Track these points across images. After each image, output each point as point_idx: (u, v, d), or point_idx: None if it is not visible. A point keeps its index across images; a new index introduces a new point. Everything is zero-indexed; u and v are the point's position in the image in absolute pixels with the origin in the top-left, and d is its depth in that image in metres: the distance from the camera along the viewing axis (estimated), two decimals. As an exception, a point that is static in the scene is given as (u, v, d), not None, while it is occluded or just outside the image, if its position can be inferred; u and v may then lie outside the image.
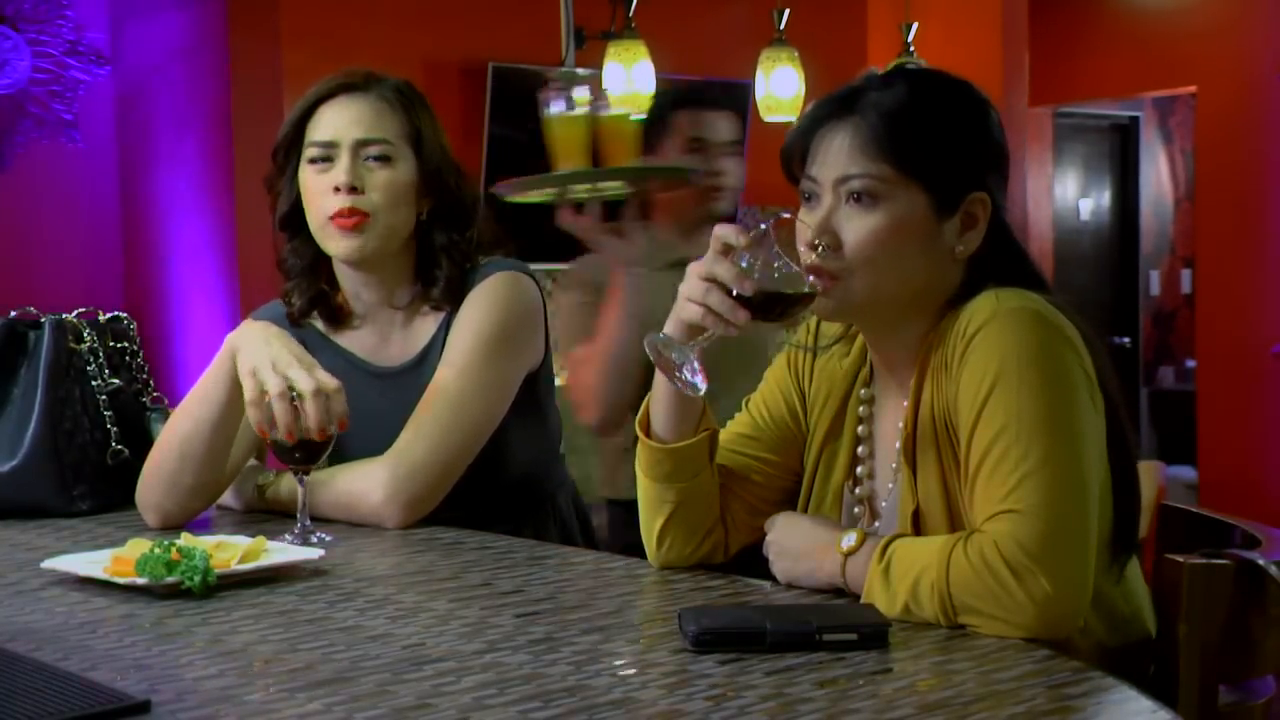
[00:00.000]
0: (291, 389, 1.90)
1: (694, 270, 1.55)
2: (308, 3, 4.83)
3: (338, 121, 2.11)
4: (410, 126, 2.13)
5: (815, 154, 1.61)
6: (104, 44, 4.47)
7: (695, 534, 1.71)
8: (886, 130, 1.57)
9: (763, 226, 1.52)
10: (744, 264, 1.51)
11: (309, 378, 1.91)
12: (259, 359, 1.93)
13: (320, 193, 2.10)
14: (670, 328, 1.58)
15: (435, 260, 2.15)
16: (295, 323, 2.21)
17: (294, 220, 2.17)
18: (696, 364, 1.54)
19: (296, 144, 2.14)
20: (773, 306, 1.53)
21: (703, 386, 1.55)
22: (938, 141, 1.59)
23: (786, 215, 1.54)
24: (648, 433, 1.68)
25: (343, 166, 2.08)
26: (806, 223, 1.58)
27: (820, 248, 1.57)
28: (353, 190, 2.08)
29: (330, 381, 1.92)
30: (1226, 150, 6.37)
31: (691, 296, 1.54)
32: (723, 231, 1.55)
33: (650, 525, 1.72)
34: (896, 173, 1.57)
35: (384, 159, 2.10)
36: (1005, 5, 5.91)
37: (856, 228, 1.57)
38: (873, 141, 1.57)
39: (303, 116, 2.13)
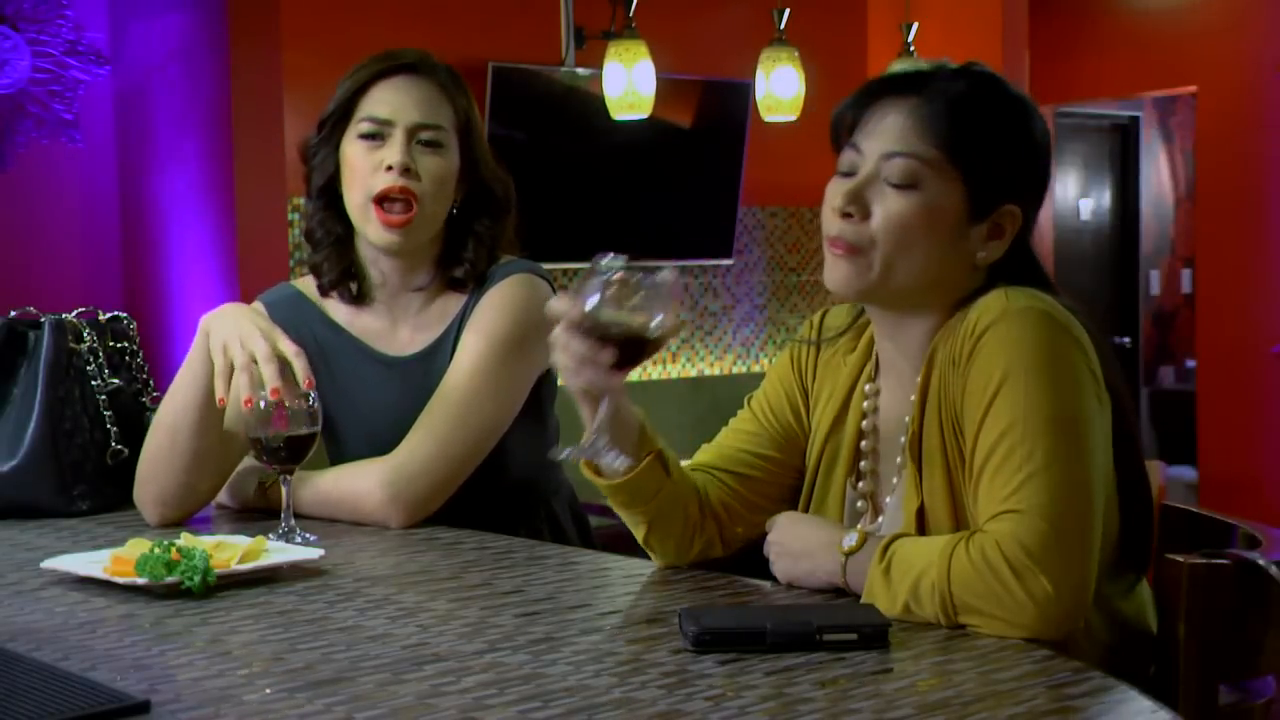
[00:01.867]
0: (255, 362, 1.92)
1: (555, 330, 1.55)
2: (308, 3, 4.83)
3: (396, 101, 2.09)
4: (461, 115, 2.13)
5: (866, 124, 1.60)
6: (104, 44, 4.47)
7: (681, 540, 1.72)
8: (947, 114, 1.57)
9: (604, 263, 1.49)
10: (589, 305, 1.49)
11: (267, 345, 1.92)
12: (228, 334, 1.95)
13: (368, 169, 2.08)
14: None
15: (462, 246, 2.15)
16: (324, 295, 2.21)
17: (328, 192, 2.16)
18: (604, 444, 1.52)
19: (346, 117, 2.12)
20: (625, 347, 1.50)
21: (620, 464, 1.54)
22: (989, 140, 1.58)
23: (620, 266, 1.49)
24: (595, 469, 1.67)
25: (397, 146, 2.07)
26: (836, 191, 1.58)
27: (848, 216, 1.57)
28: (406, 171, 2.07)
29: (289, 348, 1.93)
30: (1227, 150, 6.36)
31: (554, 352, 1.55)
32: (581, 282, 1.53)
33: (636, 537, 1.74)
34: (943, 158, 1.56)
35: (435, 145, 2.10)
36: (1005, 5, 5.91)
37: (889, 205, 1.57)
38: (929, 122, 1.56)
39: (357, 90, 2.11)
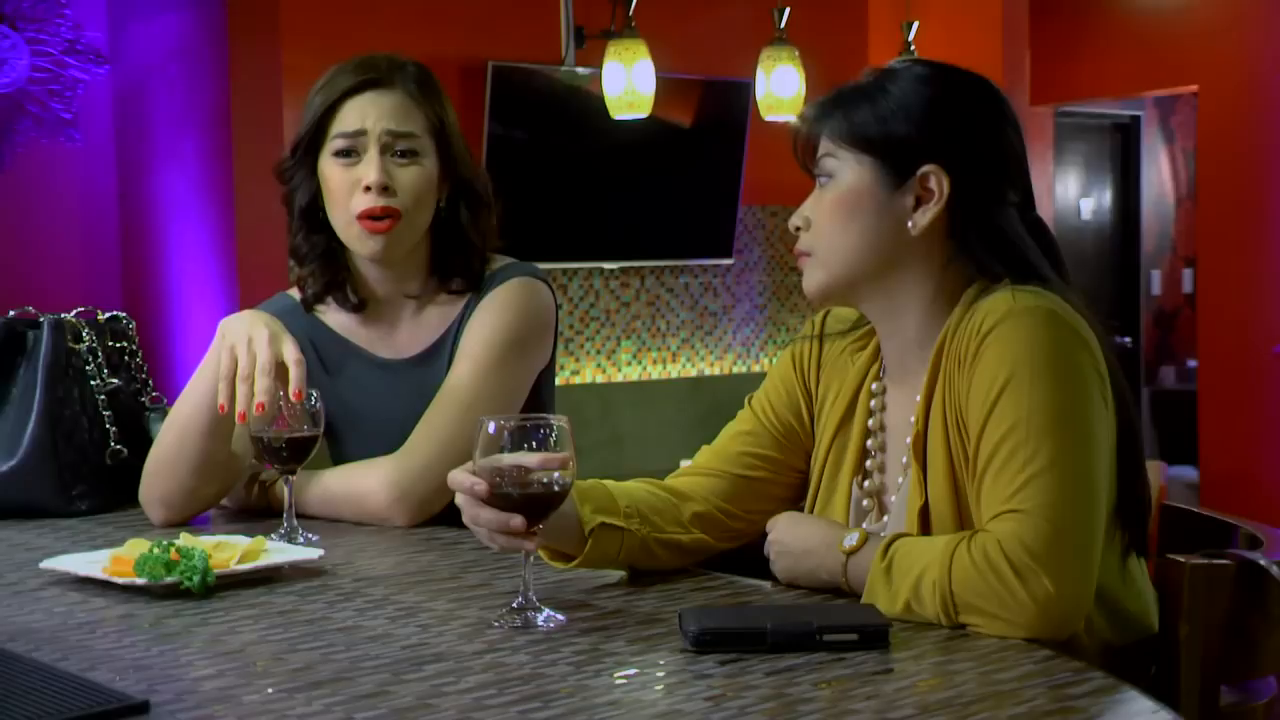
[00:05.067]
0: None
1: None
2: (308, 3, 4.83)
3: (365, 113, 2.08)
4: (435, 119, 2.12)
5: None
6: (103, 43, 4.47)
7: (666, 562, 1.70)
8: (841, 109, 1.64)
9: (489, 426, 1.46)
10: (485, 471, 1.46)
11: (269, 353, 1.93)
12: (238, 338, 1.96)
13: (346, 189, 2.08)
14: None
15: (453, 246, 2.16)
16: (309, 309, 2.21)
17: (309, 211, 2.15)
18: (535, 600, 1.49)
19: (318, 136, 2.11)
20: (530, 506, 1.47)
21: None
22: (882, 112, 1.62)
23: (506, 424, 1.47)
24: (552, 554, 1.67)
25: (372, 163, 2.07)
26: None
27: (799, 229, 1.67)
28: (384, 189, 2.07)
29: (291, 355, 1.94)
30: (1228, 149, 6.36)
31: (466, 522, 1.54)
32: None
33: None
34: (846, 143, 1.63)
35: (411, 154, 2.09)
36: (1006, 4, 5.91)
37: (817, 204, 1.66)
38: (837, 122, 1.64)
39: (327, 110, 2.11)
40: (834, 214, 1.63)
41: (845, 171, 1.63)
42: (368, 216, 2.07)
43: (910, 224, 1.61)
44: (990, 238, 1.62)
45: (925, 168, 1.60)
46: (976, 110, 1.64)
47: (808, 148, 1.68)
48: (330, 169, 2.10)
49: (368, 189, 2.06)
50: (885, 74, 1.66)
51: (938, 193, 1.61)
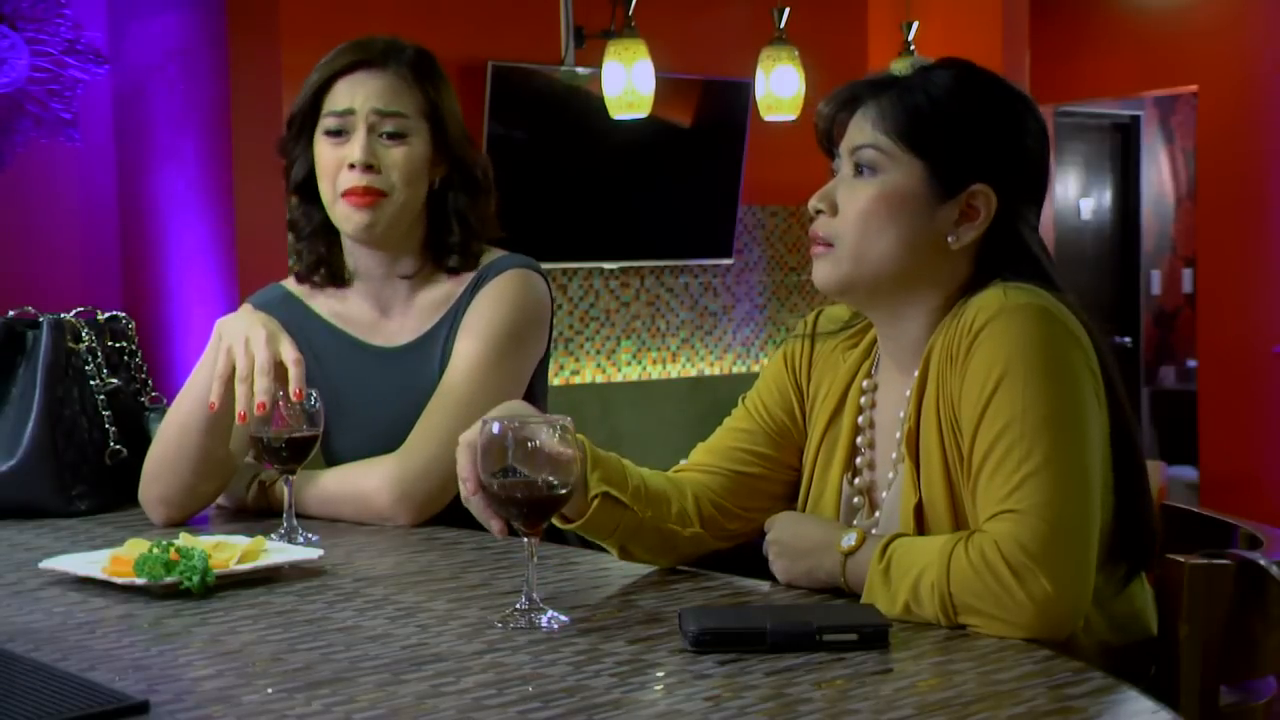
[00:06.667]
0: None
1: None
2: (308, 3, 4.83)
3: (355, 92, 2.11)
4: (427, 101, 2.13)
5: (845, 131, 1.65)
6: (103, 43, 4.46)
7: (660, 552, 1.71)
8: (901, 104, 1.60)
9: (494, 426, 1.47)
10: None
11: (268, 353, 1.93)
12: (235, 339, 1.96)
13: (334, 167, 2.10)
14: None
15: (448, 228, 2.17)
16: (301, 281, 2.23)
17: (308, 186, 2.17)
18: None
19: (312, 113, 2.14)
20: (528, 507, 1.48)
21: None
22: (943, 119, 1.59)
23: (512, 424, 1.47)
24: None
25: (358, 142, 2.09)
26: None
27: (820, 213, 1.62)
28: (368, 168, 2.08)
29: (289, 355, 1.94)
30: (1228, 149, 6.36)
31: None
32: None
33: (612, 554, 1.73)
34: (900, 141, 1.59)
35: (399, 135, 2.11)
36: (1006, 4, 5.91)
37: (852, 195, 1.61)
38: (887, 113, 1.60)
39: (320, 88, 2.13)
40: (874, 211, 1.59)
41: (894, 169, 1.59)
42: (351, 194, 2.08)
43: (951, 238, 1.60)
44: (1017, 259, 1.61)
45: (976, 186, 1.59)
46: (1029, 133, 1.63)
47: (838, 130, 1.65)
48: (320, 146, 2.13)
49: (352, 167, 2.08)
50: (930, 72, 1.63)
51: (985, 212, 1.60)
